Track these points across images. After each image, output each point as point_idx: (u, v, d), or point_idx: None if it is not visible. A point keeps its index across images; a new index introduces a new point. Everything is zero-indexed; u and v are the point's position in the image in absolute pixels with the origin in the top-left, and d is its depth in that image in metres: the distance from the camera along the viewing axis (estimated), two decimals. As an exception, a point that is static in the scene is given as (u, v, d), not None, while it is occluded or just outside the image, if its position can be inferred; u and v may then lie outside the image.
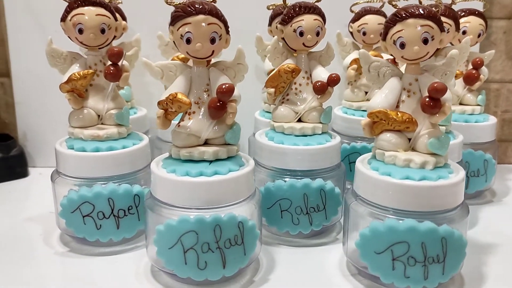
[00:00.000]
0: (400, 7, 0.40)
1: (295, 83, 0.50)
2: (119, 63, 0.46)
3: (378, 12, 0.61)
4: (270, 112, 0.59)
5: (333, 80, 0.48)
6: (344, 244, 0.43)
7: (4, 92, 0.71)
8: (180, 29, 0.39)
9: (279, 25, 0.50)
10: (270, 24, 0.61)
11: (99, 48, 0.48)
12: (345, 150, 0.60)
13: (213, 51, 0.40)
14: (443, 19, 0.49)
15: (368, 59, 0.42)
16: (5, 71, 0.71)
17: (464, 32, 0.60)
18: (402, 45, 0.40)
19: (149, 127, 0.65)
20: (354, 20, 0.62)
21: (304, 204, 0.46)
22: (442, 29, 0.40)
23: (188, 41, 0.39)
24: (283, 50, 0.51)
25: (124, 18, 0.60)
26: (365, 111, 0.60)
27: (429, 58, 0.41)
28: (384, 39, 0.41)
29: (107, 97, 0.48)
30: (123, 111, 0.48)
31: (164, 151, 0.49)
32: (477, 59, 0.58)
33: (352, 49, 0.65)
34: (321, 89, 0.48)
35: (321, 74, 0.50)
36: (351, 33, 0.63)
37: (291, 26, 0.49)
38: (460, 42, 0.60)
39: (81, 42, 0.47)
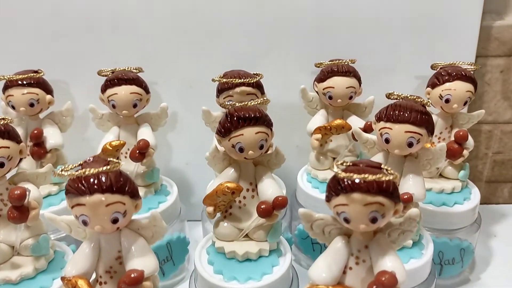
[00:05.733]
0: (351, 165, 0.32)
1: (238, 195, 0.44)
2: (25, 203, 0.39)
3: (347, 73, 0.52)
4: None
5: (279, 204, 0.41)
6: None
7: None
8: (75, 209, 0.32)
9: (216, 135, 0.42)
10: (217, 96, 0.52)
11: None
12: (307, 230, 0.54)
13: (117, 228, 0.33)
14: (413, 128, 0.41)
15: (310, 217, 0.35)
16: None
17: (447, 101, 0.50)
18: (346, 221, 0.32)
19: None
20: (319, 80, 0.53)
21: None
22: (396, 200, 0.32)
23: (85, 223, 0.32)
24: (223, 156, 0.44)
25: (49, 92, 0.52)
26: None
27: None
28: (328, 201, 0.34)
29: (19, 226, 0.42)
30: (39, 240, 0.42)
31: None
32: (460, 133, 0.50)
33: (319, 105, 0.56)
34: (266, 214, 0.41)
35: (267, 190, 0.43)
36: (317, 92, 0.54)
37: (229, 140, 0.41)
38: (441, 98, 0.51)
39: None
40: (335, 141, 0.55)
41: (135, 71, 0.52)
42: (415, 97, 0.40)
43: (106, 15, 0.55)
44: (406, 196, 0.41)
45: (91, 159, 0.33)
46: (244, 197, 0.44)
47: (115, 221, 0.32)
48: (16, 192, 0.38)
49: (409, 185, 0.42)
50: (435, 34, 0.56)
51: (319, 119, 0.54)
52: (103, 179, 0.32)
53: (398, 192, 0.32)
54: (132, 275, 0.33)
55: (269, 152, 0.44)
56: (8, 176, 0.42)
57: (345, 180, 0.31)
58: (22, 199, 0.39)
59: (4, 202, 0.41)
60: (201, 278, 0.43)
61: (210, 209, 0.43)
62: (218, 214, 0.45)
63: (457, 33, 0.55)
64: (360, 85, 0.53)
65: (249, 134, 0.40)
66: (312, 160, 0.56)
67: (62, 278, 0.34)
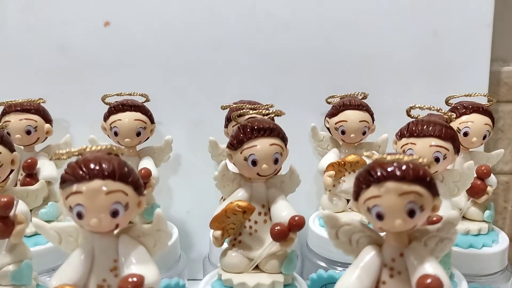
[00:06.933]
0: (376, 158, 0.29)
1: (249, 220, 0.39)
2: (11, 214, 0.35)
3: (360, 107, 0.50)
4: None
5: (296, 225, 0.37)
6: None
7: None
8: (70, 198, 0.28)
9: (227, 149, 0.39)
10: (226, 126, 0.50)
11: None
12: (321, 279, 0.48)
13: (117, 224, 0.29)
14: (439, 142, 0.38)
15: (335, 222, 0.31)
16: None
17: (465, 134, 0.48)
18: (379, 216, 0.28)
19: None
20: (331, 115, 0.51)
21: None
22: (435, 193, 0.28)
23: (80, 215, 0.28)
24: (234, 176, 0.40)
25: (48, 121, 0.50)
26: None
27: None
28: (356, 199, 0.30)
29: (1, 249, 0.37)
30: (22, 266, 0.37)
31: None
32: (482, 168, 0.47)
33: (330, 145, 0.54)
34: (280, 236, 0.37)
35: (281, 212, 0.39)
36: (328, 128, 0.52)
37: (241, 153, 0.38)
38: (459, 132, 0.49)
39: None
40: (348, 182, 0.51)
41: (141, 97, 0.50)
42: (438, 108, 0.38)
43: (110, 53, 0.55)
44: (435, 218, 0.37)
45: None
46: (256, 222, 0.40)
47: (114, 213, 0.28)
48: (2, 200, 0.34)
49: (436, 208, 0.39)
50: (446, 78, 0.56)
51: (332, 156, 0.52)
52: (105, 165, 0.28)
53: (436, 185, 0.29)
54: (131, 280, 0.28)
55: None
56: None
57: (377, 169, 0.28)
58: (9, 208, 0.34)
59: (-13, 219, 0.37)
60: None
61: (218, 233, 0.38)
62: (226, 244, 0.40)
63: (467, 75, 0.55)
64: (373, 121, 0.51)
65: (263, 145, 0.37)
66: (324, 202, 0.52)
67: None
